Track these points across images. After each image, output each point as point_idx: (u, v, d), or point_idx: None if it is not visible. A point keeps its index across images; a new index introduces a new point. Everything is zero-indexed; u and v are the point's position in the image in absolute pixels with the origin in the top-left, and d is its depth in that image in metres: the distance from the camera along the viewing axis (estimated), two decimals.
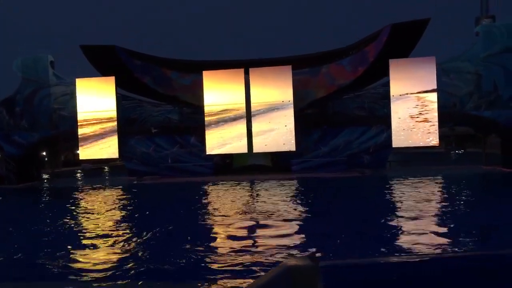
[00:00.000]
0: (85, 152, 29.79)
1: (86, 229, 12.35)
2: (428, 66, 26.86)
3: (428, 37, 28.38)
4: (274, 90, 28.19)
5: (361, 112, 28.87)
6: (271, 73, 28.34)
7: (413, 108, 26.92)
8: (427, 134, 26.84)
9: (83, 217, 14.71)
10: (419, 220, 11.35)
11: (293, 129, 27.84)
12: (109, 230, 11.97)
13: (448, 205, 13.97)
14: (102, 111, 29.30)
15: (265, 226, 11.43)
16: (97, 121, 29.33)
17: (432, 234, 9.79)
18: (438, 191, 18.59)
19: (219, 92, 28.66)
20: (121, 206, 17.22)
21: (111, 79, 29.11)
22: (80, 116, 29.46)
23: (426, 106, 26.82)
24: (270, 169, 28.78)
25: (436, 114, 26.63)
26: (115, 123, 29.31)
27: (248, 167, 28.92)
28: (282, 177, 25.26)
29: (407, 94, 27.04)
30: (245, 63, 29.02)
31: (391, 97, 27.11)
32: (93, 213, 15.19)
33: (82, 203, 18.76)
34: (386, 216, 12.16)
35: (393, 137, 27.04)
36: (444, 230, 10.32)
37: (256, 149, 28.24)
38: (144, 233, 11.01)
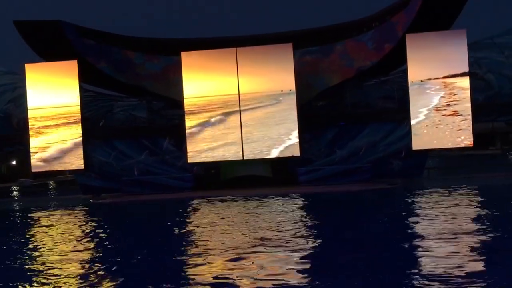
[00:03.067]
0: (39, 163, 28.82)
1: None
2: (457, 42, 26.52)
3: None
4: (271, 76, 27.66)
5: (388, 103, 28.56)
6: (267, 53, 27.88)
7: (439, 98, 26.59)
8: (457, 132, 26.42)
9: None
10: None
11: (297, 127, 27.29)
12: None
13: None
14: (61, 106, 28.49)
15: None
16: (55, 120, 28.52)
17: None
18: (489, 211, 17.56)
19: (203, 80, 28.23)
20: (68, 241, 16.34)
21: (72, 63, 28.35)
22: (31, 114, 28.58)
23: (455, 94, 26.52)
24: (270, 180, 28.18)
25: (469, 105, 26.23)
26: (79, 123, 28.48)
27: (240, 179, 28.29)
28: (283, 192, 24.65)
29: (430, 79, 26.76)
30: (234, 40, 28.77)
31: (410, 84, 26.78)
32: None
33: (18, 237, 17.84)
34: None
35: (413, 137, 26.67)
36: None
37: (248, 154, 27.67)
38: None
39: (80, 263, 11.96)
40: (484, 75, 28.19)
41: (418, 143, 26.58)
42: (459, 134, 26.39)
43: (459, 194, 21.15)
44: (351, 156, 27.93)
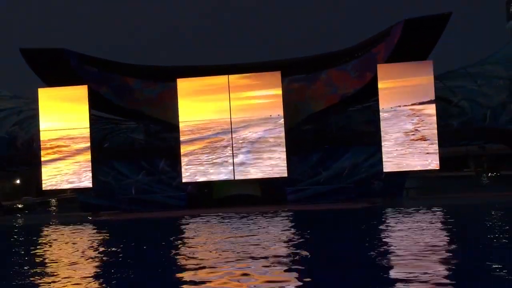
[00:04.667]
0: (49, 181, 29.21)
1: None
2: (424, 72, 27.29)
3: (449, 36, 28.90)
4: (260, 102, 28.57)
5: (370, 127, 29.13)
6: (257, 80, 28.74)
7: (408, 124, 27.25)
8: (425, 155, 27.07)
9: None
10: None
11: (285, 149, 28.06)
12: None
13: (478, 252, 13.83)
14: (70, 128, 29.06)
15: None
16: (65, 141, 29.01)
17: None
18: (462, 229, 18.56)
19: (196, 105, 28.92)
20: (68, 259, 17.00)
21: (82, 89, 28.97)
22: (43, 136, 29.08)
23: (423, 121, 27.15)
24: (259, 199, 28.85)
25: (435, 130, 26.90)
26: (87, 144, 28.97)
27: (231, 198, 28.96)
28: (271, 210, 25.37)
29: (399, 106, 27.39)
30: (226, 68, 29.39)
31: (381, 110, 27.42)
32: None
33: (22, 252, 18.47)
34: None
35: (384, 160, 27.31)
36: None
37: (238, 175, 28.39)
38: None
39: (76, 280, 12.01)
40: (459, 102, 29.16)
41: (389, 166, 27.23)
42: (426, 157, 27.02)
43: (436, 214, 21.99)
44: (335, 177, 28.59)
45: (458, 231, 17.31)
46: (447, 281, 10.15)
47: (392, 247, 14.36)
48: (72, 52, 29.37)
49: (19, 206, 36.28)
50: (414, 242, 14.94)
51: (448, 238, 15.83)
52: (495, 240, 15.05)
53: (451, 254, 12.89)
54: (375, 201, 26.80)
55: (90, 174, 28.93)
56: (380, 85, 27.46)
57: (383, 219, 21.34)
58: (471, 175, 42.75)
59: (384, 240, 16.10)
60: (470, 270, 11.30)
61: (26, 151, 30.08)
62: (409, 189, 30.20)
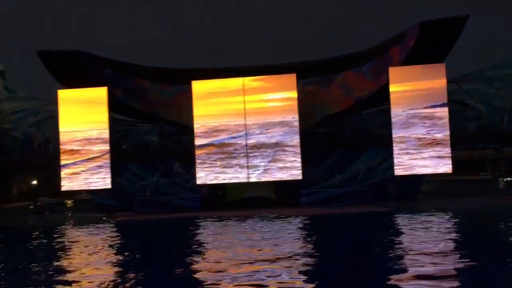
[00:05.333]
0: (69, 182, 29.42)
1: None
2: (437, 75, 27.23)
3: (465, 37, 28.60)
4: (275, 104, 28.58)
5: (385, 130, 28.75)
6: (271, 83, 28.78)
7: (420, 127, 27.20)
8: (437, 159, 26.99)
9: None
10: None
11: (299, 152, 28.02)
12: None
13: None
14: (89, 130, 29.28)
15: None
16: (84, 143, 29.22)
17: None
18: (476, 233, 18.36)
19: (210, 107, 28.97)
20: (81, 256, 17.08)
21: (102, 90, 29.24)
22: (63, 137, 29.32)
23: (435, 124, 27.10)
24: (273, 202, 28.81)
25: (448, 134, 26.83)
26: (106, 145, 29.18)
27: (245, 200, 28.95)
28: (285, 213, 25.30)
29: (411, 109, 27.35)
30: (242, 70, 29.43)
31: (392, 114, 27.45)
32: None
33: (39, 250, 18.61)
34: None
35: (395, 163, 27.26)
36: None
37: (252, 177, 28.40)
38: None
39: (91, 280, 12.22)
40: (475, 105, 28.93)
41: (400, 169, 27.20)
42: (438, 161, 26.95)
43: (447, 217, 21.80)
44: (349, 180, 28.52)
45: (474, 235, 17.08)
46: None
47: (407, 251, 14.16)
48: (88, 54, 29.52)
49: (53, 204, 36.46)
50: (433, 245, 14.76)
51: (464, 242, 15.62)
52: None
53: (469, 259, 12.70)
54: (390, 205, 26.56)
55: (109, 176, 29.12)
56: (391, 88, 27.41)
57: (399, 223, 21.17)
58: (488, 179, 42.22)
59: (400, 244, 15.92)
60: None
61: (43, 153, 30.26)
62: (424, 192, 29.89)
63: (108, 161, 29.07)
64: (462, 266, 11.84)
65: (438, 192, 32.90)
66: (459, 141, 28.46)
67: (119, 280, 12.01)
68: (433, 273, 11.02)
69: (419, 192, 28.92)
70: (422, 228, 18.83)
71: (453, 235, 17.33)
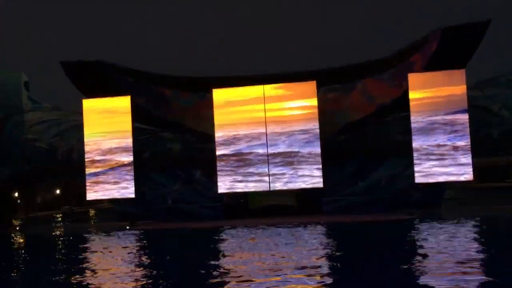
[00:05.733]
0: (93, 192, 29.76)
1: None
2: (456, 81, 27.06)
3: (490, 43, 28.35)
4: (296, 112, 28.55)
5: (407, 137, 28.51)
6: (292, 90, 28.78)
7: (441, 134, 27.05)
8: (458, 166, 26.74)
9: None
10: None
11: (321, 160, 27.92)
12: None
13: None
14: (114, 139, 29.66)
15: None
16: (108, 152, 29.58)
17: None
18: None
19: (233, 115, 29.08)
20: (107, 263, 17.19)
21: (125, 99, 29.61)
22: (87, 147, 29.71)
23: (455, 130, 26.89)
24: (295, 210, 28.73)
25: (469, 140, 26.60)
26: (131, 153, 29.51)
27: (267, 208, 28.91)
28: (307, 221, 25.35)
29: (431, 116, 27.22)
30: (262, 78, 29.50)
31: (412, 120, 27.31)
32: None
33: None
34: None
35: (416, 171, 27.08)
36: None
37: (274, 186, 28.34)
38: None
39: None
40: (499, 111, 28.57)
41: (421, 177, 27.04)
42: (460, 168, 26.70)
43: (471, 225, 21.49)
44: (371, 188, 28.35)
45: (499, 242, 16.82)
46: None
47: (432, 260, 14.00)
48: (109, 63, 29.84)
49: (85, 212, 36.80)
50: (458, 253, 14.58)
51: (490, 249, 15.42)
52: None
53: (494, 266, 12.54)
54: (413, 213, 26.25)
55: (132, 185, 29.35)
56: (411, 95, 27.33)
57: (422, 231, 20.91)
58: None
59: (425, 252, 15.70)
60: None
61: (67, 162, 30.58)
62: (448, 200, 29.57)
63: (131, 169, 29.29)
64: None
65: (462, 199, 32.51)
66: (483, 148, 28.10)
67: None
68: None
69: (442, 199, 28.58)
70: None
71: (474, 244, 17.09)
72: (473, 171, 26.73)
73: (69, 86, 30.03)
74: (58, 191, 41.55)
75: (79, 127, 30.10)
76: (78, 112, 30.80)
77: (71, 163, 30.69)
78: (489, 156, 30.31)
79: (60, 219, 38.42)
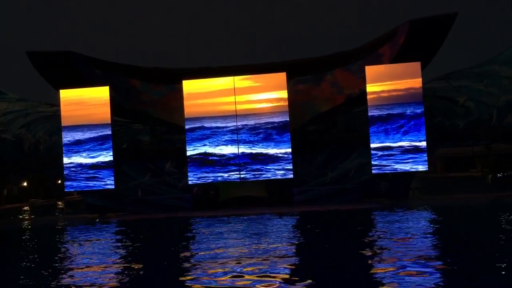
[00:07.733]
0: (71, 183, 29.42)
1: None
2: (413, 73, 27.52)
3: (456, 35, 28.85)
4: (266, 104, 28.68)
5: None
6: (262, 81, 28.82)
7: (397, 125, 27.60)
8: (414, 158, 27.32)
9: None
10: None
11: (291, 151, 28.11)
12: None
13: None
14: (90, 129, 29.26)
15: None
16: (85, 143, 29.23)
17: None
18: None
19: (203, 106, 29.01)
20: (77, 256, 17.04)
21: (104, 89, 29.18)
22: (65, 138, 29.25)
23: (411, 122, 27.50)
24: (265, 201, 28.86)
25: (424, 132, 27.24)
26: (108, 145, 29.15)
27: (237, 200, 28.96)
28: (277, 211, 25.55)
29: (387, 109, 27.73)
30: (232, 69, 29.48)
31: (369, 111, 27.77)
32: None
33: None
34: None
35: (373, 162, 27.66)
36: None
37: (244, 176, 28.45)
38: None
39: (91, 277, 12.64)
40: (465, 102, 29.08)
41: (378, 167, 27.58)
42: (415, 159, 27.29)
43: (438, 212, 22.08)
44: (341, 178, 28.58)
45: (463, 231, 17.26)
46: None
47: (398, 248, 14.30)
48: (78, 54, 29.37)
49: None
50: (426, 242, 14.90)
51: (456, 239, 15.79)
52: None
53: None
54: (382, 202, 26.70)
55: (107, 177, 29.16)
56: (368, 88, 27.79)
57: (391, 220, 21.27)
58: (478, 175, 42.47)
59: (392, 241, 16.04)
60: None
61: (33, 155, 30.08)
62: (414, 189, 30.12)
63: (109, 161, 29.10)
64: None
65: (428, 189, 33.19)
66: (449, 138, 28.68)
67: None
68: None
69: (410, 189, 29.10)
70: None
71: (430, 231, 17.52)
72: (440, 161, 27.33)
73: (36, 76, 29.47)
74: (25, 184, 40.86)
75: (47, 118, 29.59)
76: (46, 103, 30.30)
77: (38, 155, 30.15)
78: (455, 146, 30.85)
79: (27, 211, 37.85)
